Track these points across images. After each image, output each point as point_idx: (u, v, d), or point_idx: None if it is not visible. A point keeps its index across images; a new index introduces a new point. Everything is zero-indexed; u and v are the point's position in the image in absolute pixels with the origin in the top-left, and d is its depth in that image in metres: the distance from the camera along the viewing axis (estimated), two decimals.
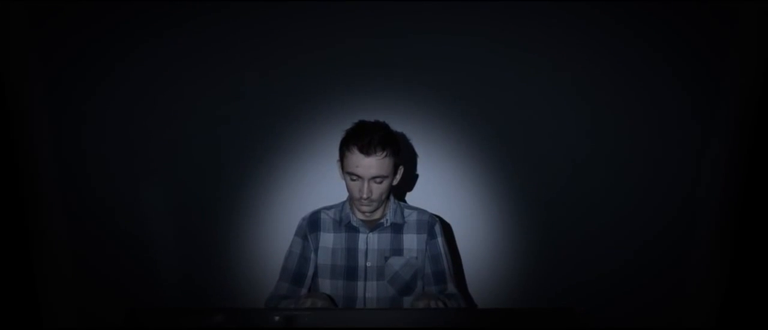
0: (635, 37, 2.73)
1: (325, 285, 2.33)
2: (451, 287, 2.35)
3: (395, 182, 2.30)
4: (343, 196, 2.39)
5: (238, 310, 1.91)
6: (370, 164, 2.18)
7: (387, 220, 2.35)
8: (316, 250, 2.35)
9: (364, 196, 2.21)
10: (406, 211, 2.40)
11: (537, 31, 2.75)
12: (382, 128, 2.24)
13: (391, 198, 2.39)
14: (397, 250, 2.33)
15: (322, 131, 2.73)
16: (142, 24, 2.75)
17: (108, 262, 2.76)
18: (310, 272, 2.35)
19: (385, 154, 2.18)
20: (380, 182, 2.22)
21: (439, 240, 2.38)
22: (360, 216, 2.33)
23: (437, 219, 2.41)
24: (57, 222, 2.76)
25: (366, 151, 2.17)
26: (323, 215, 2.38)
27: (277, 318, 1.81)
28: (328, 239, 2.35)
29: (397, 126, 2.64)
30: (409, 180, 2.76)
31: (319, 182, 2.71)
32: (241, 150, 2.78)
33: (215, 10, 2.75)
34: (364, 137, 2.18)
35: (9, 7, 2.68)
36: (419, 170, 2.78)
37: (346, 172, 2.23)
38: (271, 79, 2.78)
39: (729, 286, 2.67)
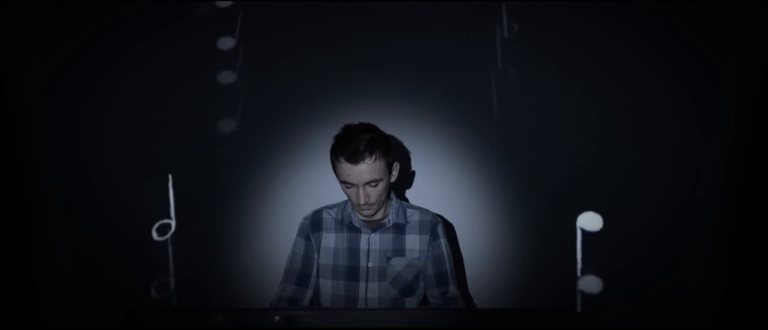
0: (636, 37, 2.73)
1: (327, 285, 2.30)
2: (452, 289, 2.33)
3: (392, 179, 2.27)
4: (344, 195, 2.38)
5: (238, 310, 1.91)
6: (362, 171, 2.14)
7: (389, 220, 2.32)
8: (318, 250, 2.32)
9: (362, 201, 2.18)
10: (409, 211, 2.36)
11: (537, 31, 2.75)
12: (367, 131, 2.18)
13: (394, 198, 2.36)
14: (399, 251, 2.31)
15: (321, 131, 2.73)
16: (141, 24, 2.75)
17: (108, 262, 2.76)
18: (315, 272, 2.32)
19: (374, 157, 2.14)
20: (375, 185, 2.18)
21: (442, 241, 2.35)
22: (362, 217, 2.31)
23: (440, 219, 2.39)
24: (57, 222, 2.76)
25: (354, 159, 2.13)
26: (325, 215, 2.36)
27: (277, 318, 1.81)
28: (329, 239, 2.32)
29: (397, 125, 2.64)
30: (406, 177, 2.76)
31: (318, 182, 2.70)
32: (240, 149, 2.78)
33: (214, 10, 2.76)
34: (350, 145, 2.13)
35: (9, 7, 2.68)
36: (420, 170, 2.78)
37: (341, 181, 2.21)
38: (271, 78, 2.78)
39: (729, 286, 2.67)
